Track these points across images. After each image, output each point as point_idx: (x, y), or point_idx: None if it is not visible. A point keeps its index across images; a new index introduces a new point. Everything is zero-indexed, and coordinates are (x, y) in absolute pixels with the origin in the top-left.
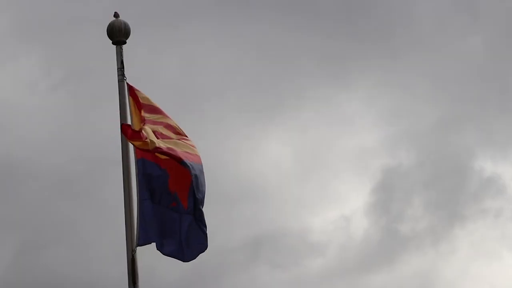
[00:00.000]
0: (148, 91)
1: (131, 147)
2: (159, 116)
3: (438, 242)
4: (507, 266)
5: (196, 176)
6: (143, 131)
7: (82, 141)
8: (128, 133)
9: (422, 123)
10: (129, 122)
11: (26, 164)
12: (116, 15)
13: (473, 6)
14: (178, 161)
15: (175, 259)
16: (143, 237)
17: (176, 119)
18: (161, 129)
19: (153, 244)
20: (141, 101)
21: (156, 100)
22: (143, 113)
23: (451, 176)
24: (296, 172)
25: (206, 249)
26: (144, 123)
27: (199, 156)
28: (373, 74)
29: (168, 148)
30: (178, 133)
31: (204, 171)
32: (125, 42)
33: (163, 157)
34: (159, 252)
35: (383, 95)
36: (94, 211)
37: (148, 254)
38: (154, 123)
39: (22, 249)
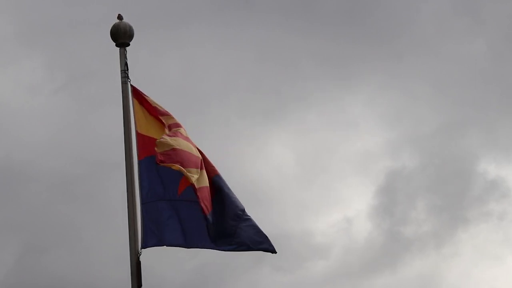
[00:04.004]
0: (150, 94)
1: (134, 148)
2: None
3: (441, 245)
4: (510, 269)
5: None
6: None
7: (85, 143)
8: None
9: (426, 126)
10: (132, 124)
11: (28, 166)
12: (119, 17)
13: (475, 9)
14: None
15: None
16: (148, 239)
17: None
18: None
19: (155, 246)
20: (152, 105)
21: (158, 103)
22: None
23: (455, 179)
24: (299, 175)
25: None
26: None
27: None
28: (376, 77)
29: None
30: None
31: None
32: (128, 44)
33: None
34: (161, 253)
35: (386, 98)
36: (96, 214)
37: (152, 256)
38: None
39: (24, 252)
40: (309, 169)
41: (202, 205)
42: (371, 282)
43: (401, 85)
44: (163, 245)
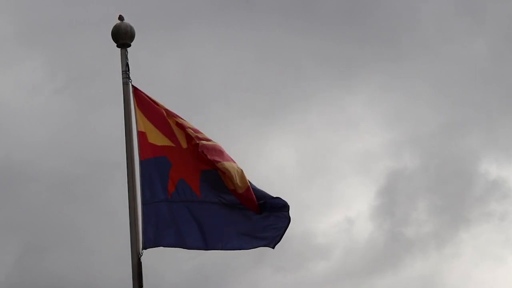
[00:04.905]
0: (151, 94)
1: (135, 148)
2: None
3: (442, 246)
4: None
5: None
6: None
7: (86, 143)
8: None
9: (427, 126)
10: (134, 125)
11: (28, 166)
12: (120, 18)
13: (476, 10)
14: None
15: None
16: (150, 240)
17: None
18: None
19: (156, 247)
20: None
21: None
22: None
23: (456, 179)
24: (300, 176)
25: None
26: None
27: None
28: (377, 78)
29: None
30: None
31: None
32: (129, 45)
33: (168, 144)
34: (161, 254)
35: (387, 99)
36: (96, 214)
37: (153, 257)
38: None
39: (24, 252)
40: (310, 169)
41: (251, 207)
42: (372, 282)
43: (402, 85)
44: (182, 247)
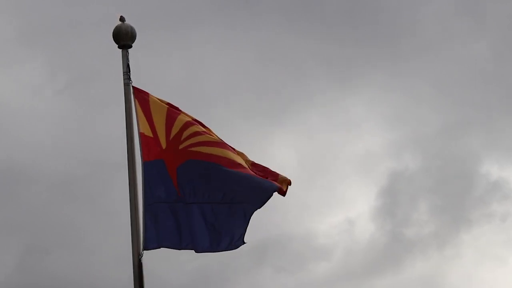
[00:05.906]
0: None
1: (137, 150)
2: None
3: (443, 247)
4: None
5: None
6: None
7: (87, 144)
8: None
9: (428, 127)
10: (135, 126)
11: (29, 167)
12: (122, 19)
13: (476, 10)
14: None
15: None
16: (151, 241)
17: None
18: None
19: (157, 248)
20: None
21: None
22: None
23: (457, 180)
24: (302, 176)
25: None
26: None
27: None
28: (379, 79)
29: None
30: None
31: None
32: (131, 46)
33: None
34: (162, 255)
35: (388, 100)
36: (97, 215)
37: (154, 258)
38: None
39: (25, 253)
40: (311, 170)
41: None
42: (373, 283)
43: (403, 86)
44: (192, 250)
